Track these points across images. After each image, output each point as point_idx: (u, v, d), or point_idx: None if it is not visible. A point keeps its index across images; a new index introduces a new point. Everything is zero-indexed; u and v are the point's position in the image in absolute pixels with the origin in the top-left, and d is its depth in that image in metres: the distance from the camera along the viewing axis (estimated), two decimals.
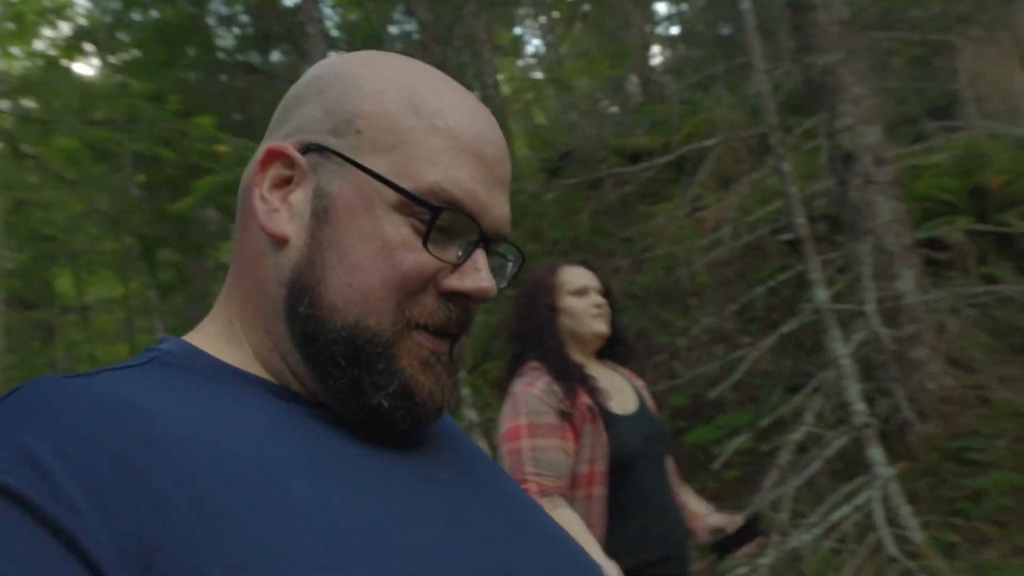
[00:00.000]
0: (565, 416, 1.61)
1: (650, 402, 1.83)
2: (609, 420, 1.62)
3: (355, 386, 0.51)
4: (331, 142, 0.52)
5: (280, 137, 0.55)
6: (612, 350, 1.85)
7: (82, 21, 10.60)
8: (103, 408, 0.42)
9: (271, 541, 0.39)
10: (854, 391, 3.03)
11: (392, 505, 0.47)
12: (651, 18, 14.03)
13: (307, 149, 0.53)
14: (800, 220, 3.18)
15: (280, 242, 0.52)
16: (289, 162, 0.53)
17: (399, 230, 0.51)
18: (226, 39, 10.83)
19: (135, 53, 10.21)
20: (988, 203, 4.63)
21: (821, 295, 3.12)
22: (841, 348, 3.01)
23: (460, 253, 0.53)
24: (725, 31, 10.32)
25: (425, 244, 0.51)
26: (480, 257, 0.53)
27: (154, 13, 9.07)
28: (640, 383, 1.88)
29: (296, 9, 9.19)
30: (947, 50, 5.80)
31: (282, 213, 0.53)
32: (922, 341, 3.71)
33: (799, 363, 4.31)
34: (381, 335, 0.51)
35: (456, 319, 0.53)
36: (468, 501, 0.53)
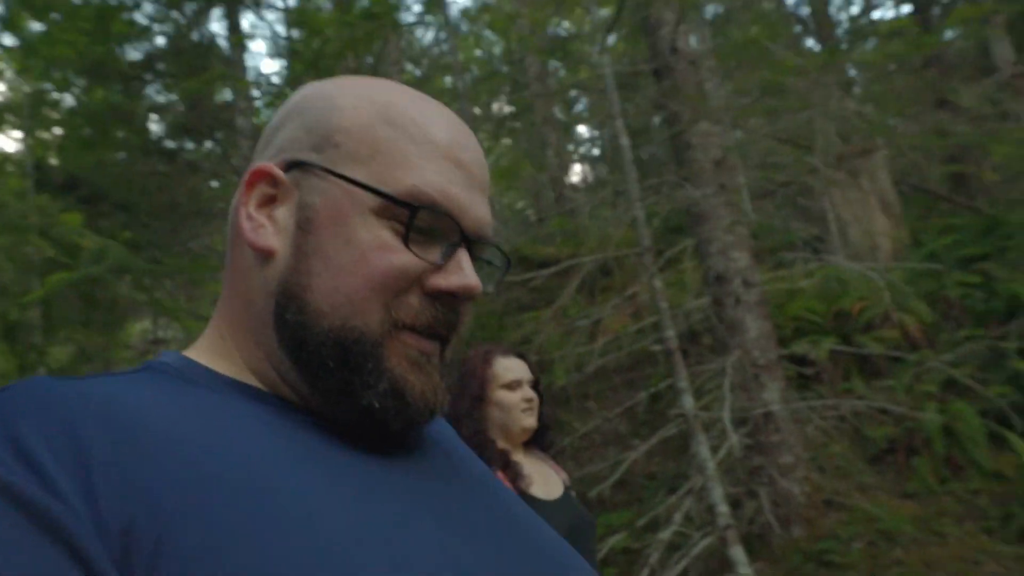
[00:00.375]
0: None
1: (573, 493, 1.87)
2: (533, 506, 1.62)
3: (346, 387, 0.52)
4: (312, 157, 0.54)
5: (265, 159, 0.57)
6: (539, 438, 1.89)
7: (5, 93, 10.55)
8: (93, 404, 0.43)
9: (261, 540, 0.40)
10: (718, 494, 3.29)
11: (382, 508, 0.47)
12: (572, 138, 15.14)
13: (289, 167, 0.55)
14: (670, 333, 3.54)
15: (267, 256, 0.54)
16: (273, 181, 0.55)
17: (380, 233, 0.52)
18: (158, 125, 10.99)
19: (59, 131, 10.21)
20: (849, 326, 5.19)
21: (688, 402, 3.43)
22: (706, 453, 3.29)
23: (443, 253, 0.54)
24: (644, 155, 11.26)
25: (406, 243, 0.52)
26: (463, 256, 0.55)
27: (82, 98, 9.18)
28: (563, 474, 1.92)
29: (228, 104, 9.50)
30: (817, 192, 6.59)
31: (268, 228, 0.55)
32: (789, 448, 4.06)
33: (681, 466, 4.58)
34: (368, 336, 0.52)
35: (443, 319, 0.54)
36: (459, 506, 0.53)
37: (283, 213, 0.55)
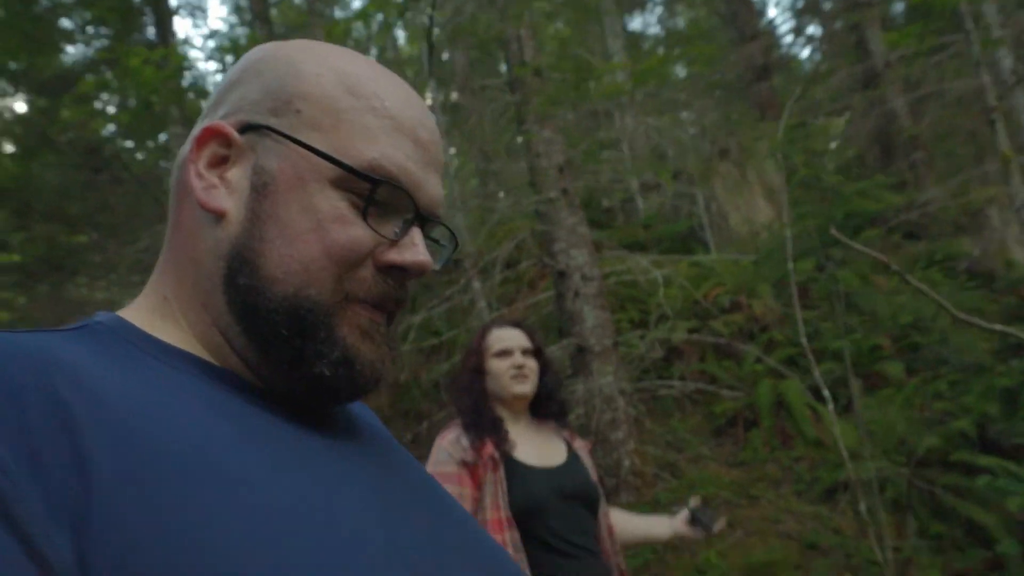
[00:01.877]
0: (466, 465, 1.75)
1: (587, 460, 1.94)
2: (513, 469, 1.76)
3: (297, 356, 0.52)
4: (271, 121, 0.54)
5: (216, 118, 0.56)
6: (543, 407, 1.96)
7: None
8: (34, 363, 0.42)
9: (201, 513, 0.40)
10: None
11: (321, 483, 0.47)
12: None
13: (245, 128, 0.54)
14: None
15: (219, 217, 0.53)
16: (226, 141, 0.55)
17: (337, 204, 0.52)
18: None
19: None
20: (704, 311, 5.71)
21: None
22: None
23: (397, 229, 0.55)
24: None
25: (365, 217, 0.53)
26: (417, 233, 0.56)
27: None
28: (581, 443, 1.99)
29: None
30: (701, 180, 7.09)
31: (220, 189, 0.54)
32: (618, 425, 4.59)
33: None
34: (321, 305, 0.52)
35: (393, 293, 0.55)
36: (396, 490, 0.55)
37: (237, 175, 0.54)
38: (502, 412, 1.89)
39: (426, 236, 0.60)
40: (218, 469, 0.43)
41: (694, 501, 1.98)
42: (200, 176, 0.55)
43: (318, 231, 0.52)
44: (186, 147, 0.56)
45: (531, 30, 5.30)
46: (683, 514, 1.97)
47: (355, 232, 0.53)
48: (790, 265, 4.59)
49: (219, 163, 0.55)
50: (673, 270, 5.82)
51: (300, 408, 0.55)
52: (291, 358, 0.52)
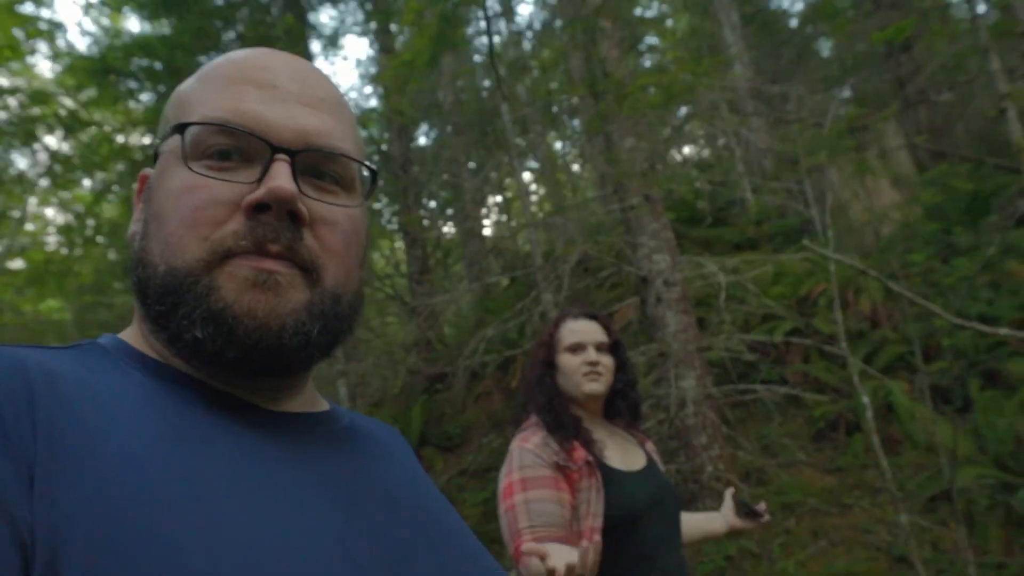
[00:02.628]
0: (560, 469, 1.60)
1: (662, 465, 1.83)
2: (609, 475, 1.62)
3: (176, 330, 0.52)
4: (156, 142, 0.60)
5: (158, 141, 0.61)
6: (615, 407, 1.83)
7: None
8: (9, 362, 0.45)
9: (141, 506, 0.41)
10: None
11: (263, 482, 0.48)
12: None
13: (155, 159, 0.59)
14: None
15: (133, 239, 0.58)
16: (145, 179, 0.61)
17: (188, 175, 0.54)
18: None
19: None
20: (810, 310, 5.55)
21: None
22: None
23: (247, 171, 0.54)
24: None
25: (185, 162, 0.54)
26: (277, 168, 0.53)
27: None
28: (651, 446, 1.87)
29: None
30: (816, 171, 6.82)
31: (137, 218, 0.60)
32: (702, 430, 4.66)
33: None
34: (186, 270, 0.52)
35: (274, 236, 0.52)
36: (364, 500, 0.54)
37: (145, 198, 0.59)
38: (577, 412, 1.76)
39: (325, 176, 0.58)
40: (153, 462, 0.44)
41: (729, 493, 1.89)
42: (134, 215, 0.61)
43: (175, 206, 0.53)
44: None
45: (616, 39, 5.45)
46: (729, 505, 1.86)
47: (207, 191, 0.53)
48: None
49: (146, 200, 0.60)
50: (761, 270, 5.71)
51: (263, 411, 0.55)
52: (174, 333, 0.52)
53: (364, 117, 9.27)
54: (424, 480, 0.65)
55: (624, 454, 1.74)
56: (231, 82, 0.56)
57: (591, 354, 1.77)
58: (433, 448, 6.34)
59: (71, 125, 8.80)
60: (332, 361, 6.20)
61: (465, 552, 0.59)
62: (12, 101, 8.49)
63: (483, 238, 9.73)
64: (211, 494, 0.44)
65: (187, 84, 0.60)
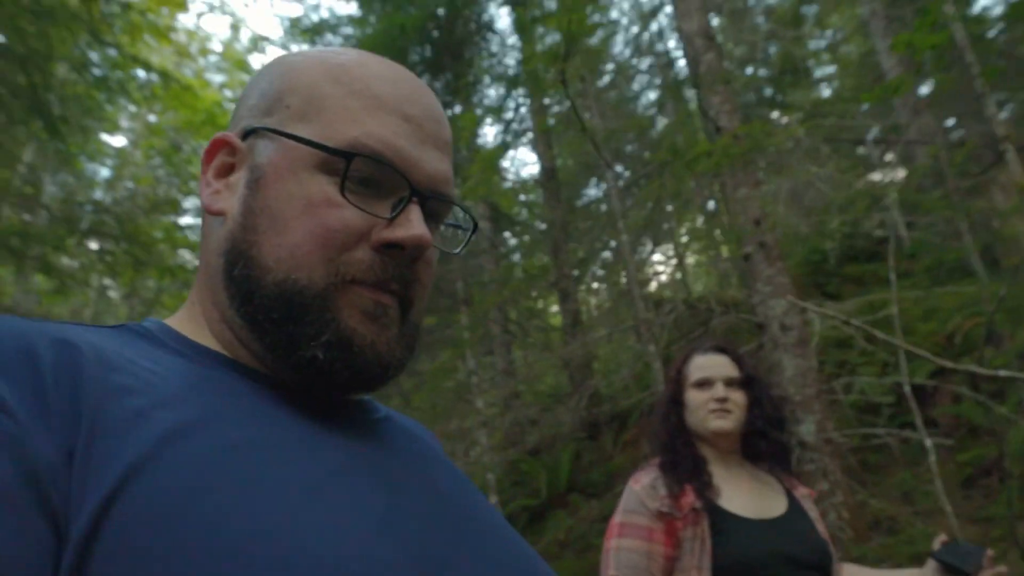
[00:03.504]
0: (662, 517, 1.55)
1: (813, 512, 1.67)
2: (723, 521, 1.54)
3: (291, 341, 0.54)
4: (264, 121, 0.59)
5: (232, 129, 0.62)
6: (754, 447, 1.74)
7: None
8: (52, 338, 0.46)
9: (193, 482, 0.41)
10: None
11: (318, 469, 0.48)
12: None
13: (247, 134, 0.59)
14: None
15: (222, 218, 0.59)
16: (231, 149, 0.60)
17: (323, 188, 0.55)
18: None
19: None
20: (957, 347, 5.28)
21: None
22: None
23: (392, 208, 0.56)
24: None
25: (343, 193, 0.55)
26: (413, 210, 0.56)
27: None
28: (804, 491, 1.73)
29: None
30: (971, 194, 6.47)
31: (223, 192, 0.59)
32: (824, 476, 4.69)
33: None
34: (311, 288, 0.53)
35: (394, 273, 0.56)
36: (412, 494, 0.53)
37: (238, 177, 0.59)
38: (706, 451, 1.71)
39: (440, 219, 0.61)
40: (210, 441, 0.44)
41: (939, 542, 1.61)
42: (207, 184, 0.60)
43: (304, 216, 0.54)
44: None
45: (726, 94, 5.75)
46: (930, 564, 1.55)
47: (342, 213, 0.54)
48: None
49: (227, 171, 0.60)
50: (908, 304, 5.53)
51: (314, 401, 0.56)
52: (286, 344, 0.54)
53: (524, 187, 10.13)
54: (466, 479, 0.64)
55: (756, 499, 1.63)
56: (380, 107, 0.57)
57: (719, 390, 1.72)
58: (579, 494, 6.75)
59: None
60: (472, 410, 6.87)
61: (512, 542, 0.58)
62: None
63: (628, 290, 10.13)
64: (258, 470, 0.44)
65: (318, 77, 0.59)
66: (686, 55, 6.09)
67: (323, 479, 0.47)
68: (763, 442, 1.74)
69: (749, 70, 12.77)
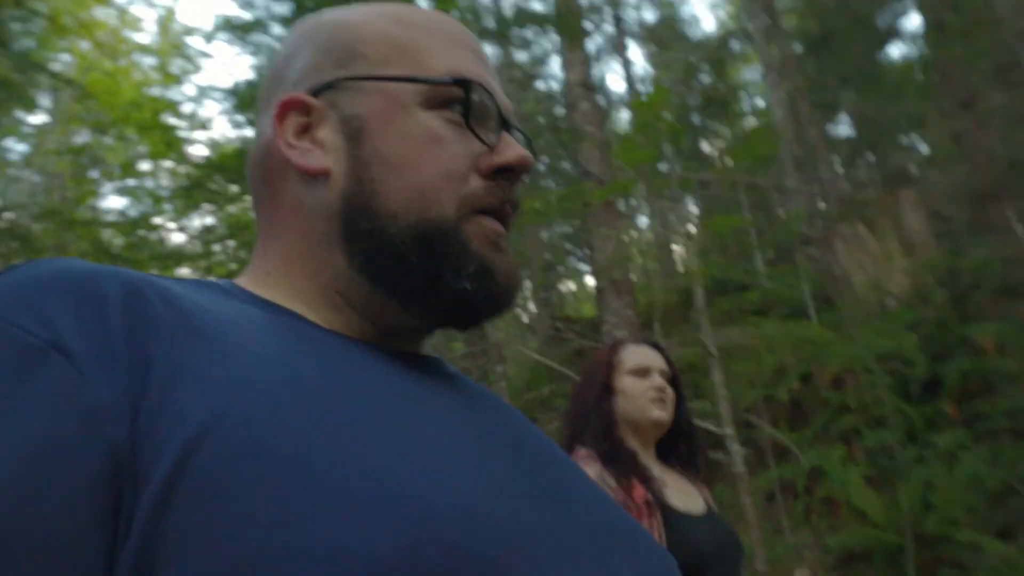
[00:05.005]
0: None
1: (717, 509, 1.73)
2: (671, 517, 1.54)
3: (434, 279, 0.55)
4: (341, 73, 0.58)
5: (283, 95, 0.59)
6: (675, 447, 1.76)
7: None
8: (125, 283, 0.44)
9: (298, 434, 0.40)
10: None
11: (409, 410, 0.48)
12: None
13: (317, 92, 0.58)
14: None
15: (322, 178, 0.57)
16: (305, 108, 0.58)
17: (432, 124, 0.56)
18: None
19: None
20: (780, 382, 6.18)
21: None
22: None
23: (494, 133, 0.58)
24: None
25: (467, 121, 0.56)
26: (511, 136, 0.59)
27: None
28: (706, 491, 1.76)
29: None
30: (825, 244, 7.42)
31: (316, 151, 0.57)
32: None
33: None
34: (446, 223, 0.55)
35: (508, 198, 0.58)
36: (498, 437, 0.54)
37: (324, 134, 0.57)
38: (631, 443, 1.68)
39: None
40: (284, 375, 0.44)
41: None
42: (292, 146, 0.57)
43: (425, 153, 0.55)
44: (264, 132, 0.60)
45: (596, 142, 6.54)
46: None
47: (455, 147, 0.56)
48: None
49: (302, 132, 0.58)
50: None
51: (395, 355, 0.56)
52: (426, 284, 0.55)
53: None
54: (541, 432, 0.63)
55: (684, 496, 1.66)
56: (454, 42, 0.60)
57: (657, 379, 1.72)
58: None
59: None
60: None
61: (602, 497, 0.58)
62: None
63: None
64: (349, 410, 0.44)
65: (384, 24, 0.60)
66: (566, 102, 6.88)
67: (416, 418, 0.47)
68: (684, 443, 1.77)
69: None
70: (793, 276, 7.38)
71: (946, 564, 4.26)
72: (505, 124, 0.60)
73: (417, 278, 0.55)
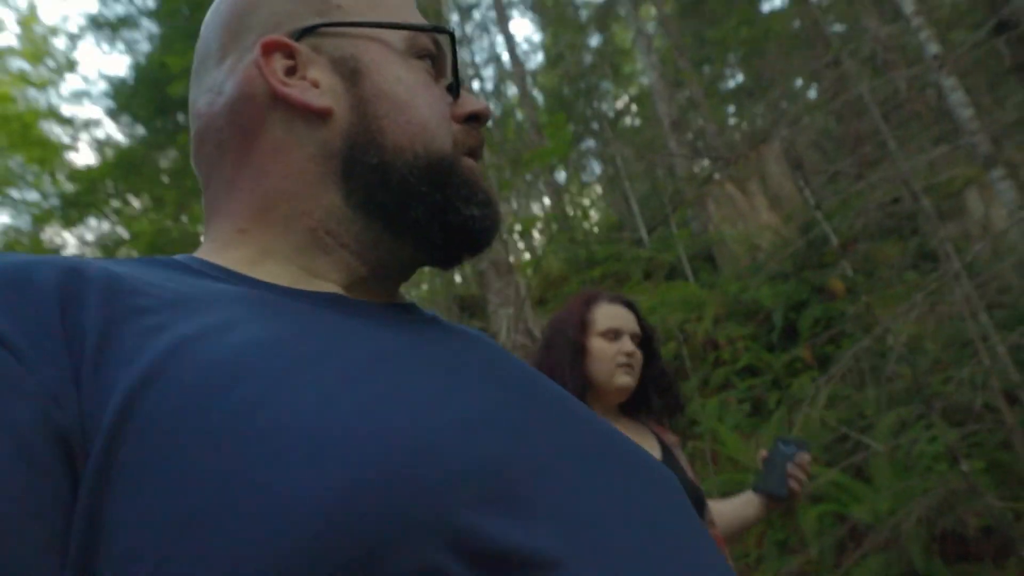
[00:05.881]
0: None
1: (684, 462, 1.74)
2: None
3: (443, 206, 0.58)
4: (321, 20, 0.60)
5: (253, 42, 0.59)
6: (642, 402, 1.76)
7: None
8: (61, 269, 0.44)
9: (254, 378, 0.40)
10: None
11: (362, 356, 0.47)
12: None
13: (299, 35, 0.59)
14: None
15: (324, 116, 0.57)
16: (289, 51, 0.59)
17: (419, 71, 0.61)
18: None
19: None
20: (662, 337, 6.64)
21: None
22: None
23: (454, 86, 0.63)
24: None
25: (455, 71, 0.62)
26: (467, 89, 0.64)
27: None
28: (672, 438, 1.77)
29: None
30: (699, 204, 7.89)
31: (314, 91, 0.57)
32: None
33: None
34: (448, 157, 0.59)
35: (480, 142, 0.64)
36: (474, 371, 0.53)
37: (316, 75, 0.58)
38: (592, 403, 1.67)
39: None
40: (225, 335, 0.43)
41: (759, 458, 1.78)
42: (287, 84, 0.57)
43: (420, 94, 0.59)
44: (244, 73, 0.58)
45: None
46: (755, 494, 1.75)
47: (438, 91, 0.61)
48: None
49: (289, 74, 0.58)
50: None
51: (365, 306, 0.56)
52: (434, 212, 0.57)
53: None
54: (528, 366, 0.62)
55: None
56: (402, 4, 0.64)
57: (628, 344, 1.70)
58: None
59: None
60: None
61: (591, 419, 0.57)
62: None
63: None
64: (294, 359, 0.43)
65: None
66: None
67: (369, 363, 0.46)
68: (660, 397, 1.76)
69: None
70: (666, 243, 7.86)
71: (806, 500, 4.76)
72: (458, 78, 0.64)
73: (424, 208, 0.57)
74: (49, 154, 13.38)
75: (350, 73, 0.58)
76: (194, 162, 0.63)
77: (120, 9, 12.73)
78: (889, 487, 4.25)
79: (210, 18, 0.63)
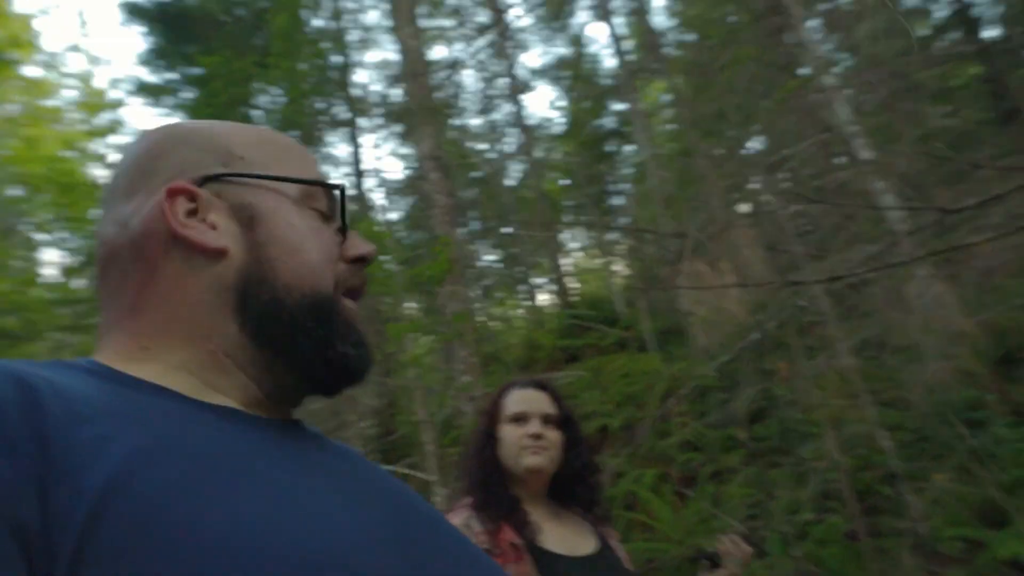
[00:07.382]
0: None
1: (621, 553, 1.74)
2: (542, 558, 1.57)
3: (324, 342, 0.65)
4: (225, 170, 0.68)
5: (160, 184, 0.66)
6: (565, 490, 1.78)
7: None
8: (10, 375, 0.48)
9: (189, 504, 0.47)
10: None
11: (282, 473, 0.55)
12: None
13: (203, 182, 0.66)
14: None
15: (218, 256, 0.64)
16: (191, 196, 0.65)
17: (309, 218, 0.69)
18: None
19: None
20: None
21: None
22: None
23: (343, 230, 0.72)
24: None
25: (343, 218, 0.72)
26: (354, 233, 0.73)
27: None
28: (612, 533, 1.78)
29: None
30: (670, 283, 8.45)
31: (213, 232, 0.65)
32: None
33: None
34: (329, 298, 0.67)
35: (364, 282, 0.72)
36: (364, 491, 0.63)
37: (218, 219, 0.66)
38: (517, 490, 1.72)
39: None
40: (167, 454, 0.49)
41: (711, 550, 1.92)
42: (186, 226, 0.64)
43: (308, 240, 0.67)
44: (149, 215, 0.65)
45: (445, 208, 7.52)
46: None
47: (328, 236, 0.69)
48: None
49: (191, 215, 0.65)
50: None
51: (263, 423, 0.63)
52: (318, 346, 0.65)
53: None
54: (398, 480, 0.72)
55: (568, 538, 1.68)
56: (302, 157, 0.73)
57: (534, 425, 1.75)
58: None
59: None
60: None
61: (470, 549, 0.67)
62: None
63: None
64: (229, 476, 0.50)
65: (251, 137, 0.72)
66: (420, 171, 7.88)
67: (289, 479, 0.55)
68: (577, 485, 1.80)
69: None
70: (639, 317, 8.44)
71: None
72: (345, 222, 0.73)
73: (310, 343, 0.65)
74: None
75: (247, 220, 0.66)
76: (96, 284, 0.69)
77: (168, 76, 14.11)
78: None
79: (125, 156, 0.71)
